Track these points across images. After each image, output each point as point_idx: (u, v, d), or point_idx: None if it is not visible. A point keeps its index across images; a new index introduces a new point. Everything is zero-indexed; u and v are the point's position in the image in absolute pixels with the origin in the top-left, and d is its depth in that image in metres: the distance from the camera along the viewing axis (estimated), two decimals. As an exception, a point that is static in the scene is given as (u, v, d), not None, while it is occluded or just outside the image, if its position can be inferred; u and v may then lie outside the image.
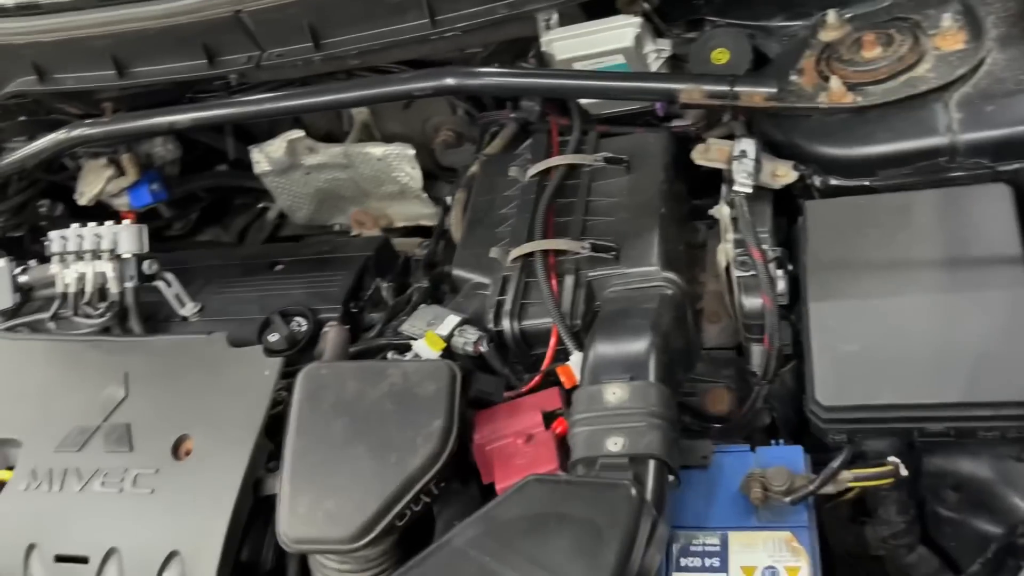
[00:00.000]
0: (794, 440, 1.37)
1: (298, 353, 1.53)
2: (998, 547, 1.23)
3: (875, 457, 1.23)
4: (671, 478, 1.12)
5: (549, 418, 1.30)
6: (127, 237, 1.61)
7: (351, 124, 2.20)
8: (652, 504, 1.05)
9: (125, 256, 1.61)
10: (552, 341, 1.36)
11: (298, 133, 2.06)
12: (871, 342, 1.20)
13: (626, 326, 1.26)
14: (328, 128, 2.24)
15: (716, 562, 1.14)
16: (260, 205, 2.44)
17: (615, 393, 1.16)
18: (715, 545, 1.16)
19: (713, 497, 1.21)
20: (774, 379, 1.34)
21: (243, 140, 2.21)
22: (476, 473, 1.31)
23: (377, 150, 2.07)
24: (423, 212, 2.17)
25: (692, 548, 1.16)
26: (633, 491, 1.02)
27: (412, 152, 2.05)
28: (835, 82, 1.35)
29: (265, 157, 2.11)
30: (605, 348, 1.24)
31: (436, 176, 2.17)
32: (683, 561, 1.16)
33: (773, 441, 1.26)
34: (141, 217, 2.24)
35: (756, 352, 1.37)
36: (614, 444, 1.11)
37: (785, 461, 1.21)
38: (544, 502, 1.03)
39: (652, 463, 1.10)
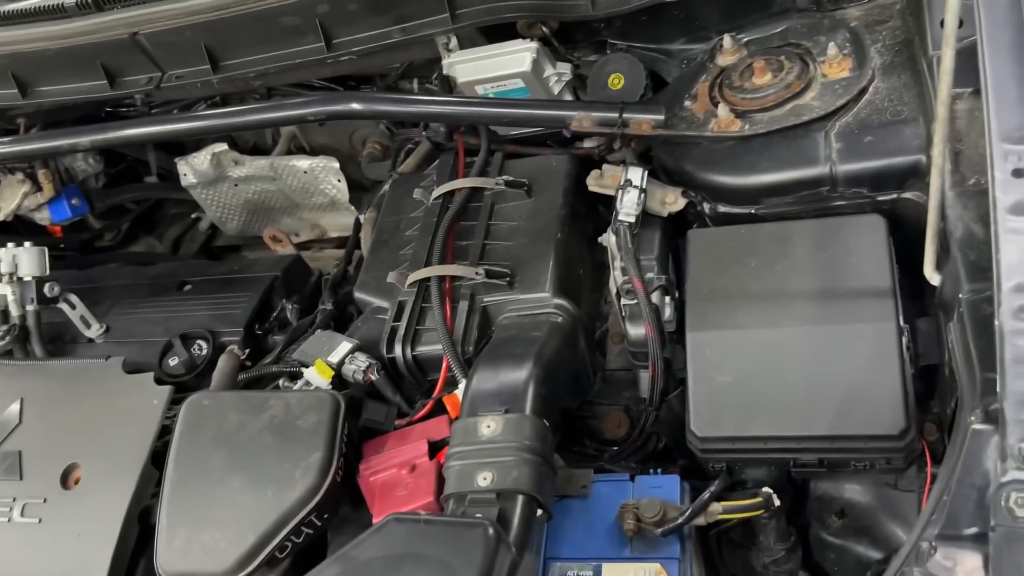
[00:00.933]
0: (688, 464, 1.38)
1: (197, 377, 1.53)
2: (874, 573, 1.24)
3: (755, 485, 1.25)
4: (540, 512, 1.12)
5: (436, 447, 1.31)
6: (27, 260, 1.59)
7: (278, 136, 2.19)
8: (515, 541, 1.05)
9: (25, 279, 1.60)
10: (443, 368, 1.36)
11: (222, 146, 2.05)
12: (745, 373, 1.21)
13: (508, 356, 1.27)
14: (255, 140, 2.24)
15: (588, 594, 1.16)
16: (193, 216, 2.44)
17: (489, 426, 1.16)
18: (588, 577, 1.17)
19: (591, 527, 1.22)
20: (661, 405, 1.35)
21: (171, 152, 2.20)
22: (367, 500, 1.31)
23: (303, 163, 2.07)
24: (354, 224, 2.16)
25: (566, 580, 1.18)
26: (491, 531, 1.02)
27: (337, 165, 2.04)
28: (723, 109, 1.36)
29: (191, 169, 2.10)
30: (484, 379, 1.24)
31: (365, 188, 2.17)
32: (556, 594, 1.17)
33: (652, 470, 1.26)
34: (68, 229, 2.24)
35: (643, 379, 1.37)
36: (483, 479, 1.11)
37: (662, 491, 1.22)
38: (402, 542, 1.03)
39: (520, 499, 1.10)
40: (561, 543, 1.21)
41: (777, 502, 1.19)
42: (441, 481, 1.24)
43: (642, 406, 1.38)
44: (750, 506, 1.17)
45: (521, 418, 1.17)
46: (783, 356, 1.20)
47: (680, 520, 1.15)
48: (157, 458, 1.35)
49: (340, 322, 1.61)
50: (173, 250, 2.48)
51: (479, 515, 1.09)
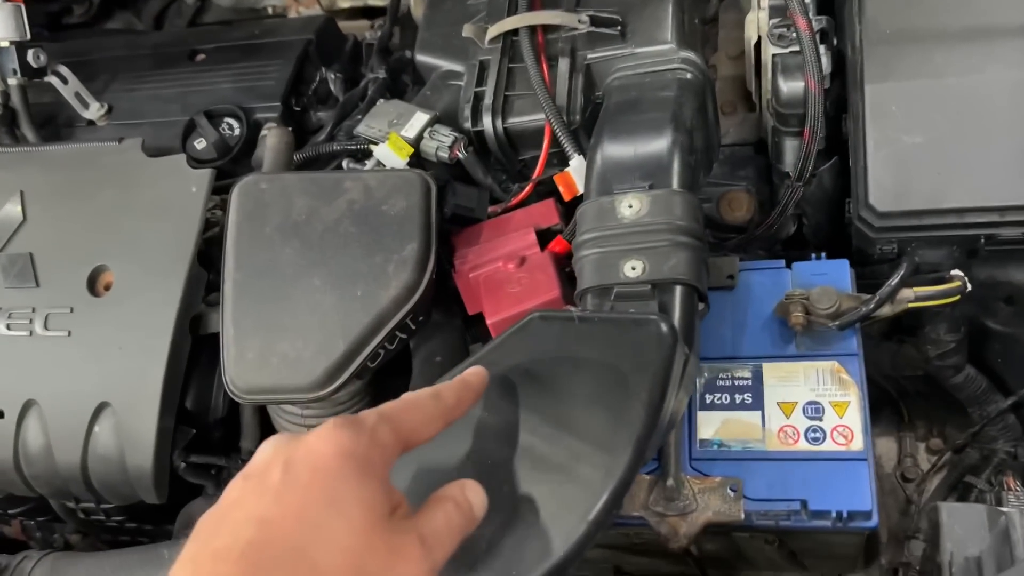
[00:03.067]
0: (821, 251, 1.18)
1: (231, 162, 1.27)
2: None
3: (928, 270, 1.05)
4: (701, 306, 0.92)
5: (545, 237, 1.09)
6: (1, 20, 1.27)
7: None
8: (683, 339, 0.85)
9: (2, 45, 1.28)
10: (545, 143, 1.11)
11: None
12: (940, 132, 0.99)
13: (641, 122, 1.01)
14: None
15: (748, 398, 0.98)
16: (176, -16, 2.06)
17: (631, 206, 0.93)
18: (746, 379, 0.99)
19: (742, 323, 1.03)
20: (811, 180, 1.13)
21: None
22: (459, 302, 1.11)
23: (308, -93, 1.72)
24: (372, -13, 1.82)
25: (720, 383, 0.99)
26: (664, 327, 0.81)
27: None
28: None
29: (172, -80, 1.74)
30: (616, 150, 0.99)
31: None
32: (709, 398, 0.99)
33: (814, 255, 1.05)
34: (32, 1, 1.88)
35: (790, 148, 1.14)
36: (632, 269, 0.90)
37: (829, 278, 1.02)
38: (553, 344, 0.83)
39: (679, 289, 0.89)
40: (708, 341, 1.02)
41: (969, 287, 1.00)
42: (563, 274, 1.04)
43: (786, 182, 1.15)
44: (946, 291, 0.98)
45: (670, 193, 0.94)
46: (988, 109, 0.97)
47: (864, 310, 0.95)
48: (203, 257, 1.12)
49: (395, 93, 1.33)
50: (155, 27, 2.12)
51: (632, 311, 0.89)
